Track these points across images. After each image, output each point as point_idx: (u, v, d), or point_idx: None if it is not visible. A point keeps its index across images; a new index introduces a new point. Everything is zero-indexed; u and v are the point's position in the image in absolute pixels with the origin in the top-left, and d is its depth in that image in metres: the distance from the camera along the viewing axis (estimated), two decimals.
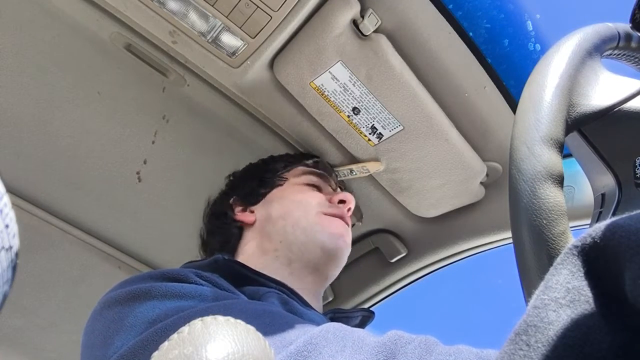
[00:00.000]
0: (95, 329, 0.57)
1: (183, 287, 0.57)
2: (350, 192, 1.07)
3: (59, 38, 0.84)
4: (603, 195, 0.46)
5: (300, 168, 0.93)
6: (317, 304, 0.81)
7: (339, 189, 0.96)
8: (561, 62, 0.42)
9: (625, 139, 0.43)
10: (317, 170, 0.93)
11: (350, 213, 0.89)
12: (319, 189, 0.91)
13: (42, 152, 0.97)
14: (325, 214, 0.84)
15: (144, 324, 0.51)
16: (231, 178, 0.98)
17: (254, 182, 0.91)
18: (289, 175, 0.91)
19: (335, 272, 0.84)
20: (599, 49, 0.45)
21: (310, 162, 0.95)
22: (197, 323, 0.34)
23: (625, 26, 0.48)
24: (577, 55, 0.43)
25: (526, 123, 0.39)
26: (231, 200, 0.91)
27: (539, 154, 0.37)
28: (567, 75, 0.41)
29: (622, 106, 0.42)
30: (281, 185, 0.89)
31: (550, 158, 0.37)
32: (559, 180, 0.36)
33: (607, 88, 0.44)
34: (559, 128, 0.38)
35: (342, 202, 0.87)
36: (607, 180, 0.45)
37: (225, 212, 0.90)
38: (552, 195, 0.35)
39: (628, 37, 0.48)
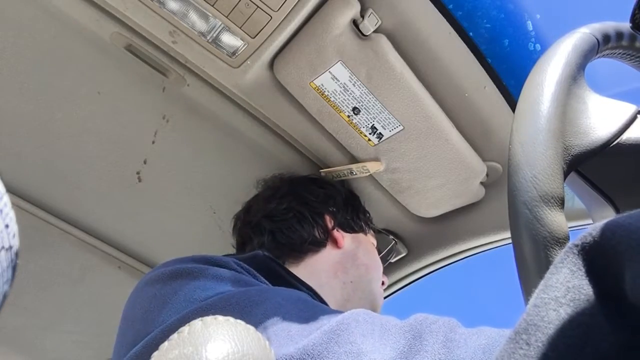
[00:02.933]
0: (137, 304, 0.59)
1: (224, 272, 0.59)
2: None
3: (59, 38, 0.84)
4: None
5: (370, 229, 0.98)
6: None
7: None
8: (548, 99, 0.39)
9: (624, 173, 0.42)
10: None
11: None
12: None
13: (42, 152, 0.97)
14: (381, 286, 0.92)
15: (185, 302, 0.54)
16: (328, 187, 0.96)
17: (352, 212, 0.95)
18: (370, 229, 0.98)
19: None
20: (581, 67, 0.43)
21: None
22: (197, 323, 0.34)
23: (600, 27, 0.45)
24: (562, 87, 0.40)
25: (522, 179, 0.37)
26: (330, 209, 0.92)
27: (541, 217, 0.35)
28: (556, 116, 0.39)
29: (617, 140, 0.41)
30: (365, 233, 0.95)
31: (554, 220, 0.35)
32: (566, 242, 0.35)
33: (599, 119, 0.42)
34: (558, 182, 0.36)
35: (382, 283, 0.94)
36: (608, 214, 0.44)
37: (321, 213, 0.90)
38: None
39: (606, 39, 0.46)
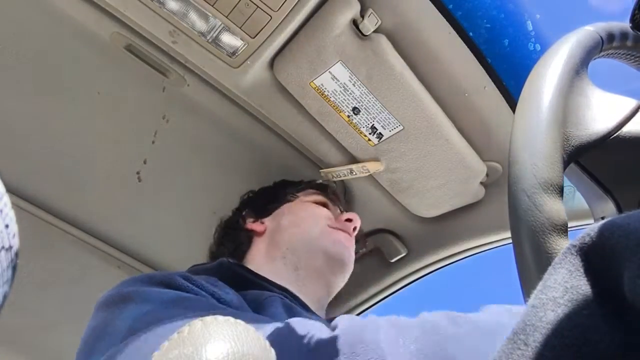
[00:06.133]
0: (88, 328, 0.57)
1: (168, 293, 0.56)
2: (350, 192, 1.07)
3: (59, 38, 0.84)
4: (603, 219, 0.45)
5: (311, 190, 0.97)
6: (321, 312, 0.81)
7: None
8: (550, 90, 0.40)
9: (623, 165, 0.42)
10: (326, 193, 0.97)
11: (355, 232, 0.92)
12: (327, 207, 0.94)
13: (42, 152, 0.97)
14: (332, 227, 0.88)
15: (122, 332, 0.51)
16: (245, 197, 1.02)
17: (267, 198, 0.96)
18: (299, 194, 0.95)
19: (340, 281, 0.87)
20: (585, 62, 0.43)
21: (321, 187, 1.00)
22: (197, 323, 0.34)
23: (605, 25, 0.46)
24: (565, 79, 0.41)
25: (522, 166, 0.37)
26: (244, 212, 0.95)
27: (540, 204, 0.35)
28: (558, 106, 0.39)
29: (618, 132, 0.41)
30: (291, 201, 0.94)
31: (552, 208, 0.35)
32: (564, 230, 0.35)
33: (600, 112, 0.42)
34: (557, 170, 0.37)
35: (348, 220, 0.91)
36: (607, 206, 0.44)
37: (236, 220, 0.94)
38: (558, 249, 0.34)
39: (611, 38, 0.46)
